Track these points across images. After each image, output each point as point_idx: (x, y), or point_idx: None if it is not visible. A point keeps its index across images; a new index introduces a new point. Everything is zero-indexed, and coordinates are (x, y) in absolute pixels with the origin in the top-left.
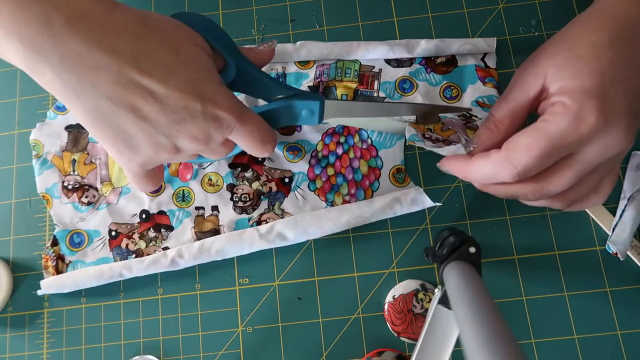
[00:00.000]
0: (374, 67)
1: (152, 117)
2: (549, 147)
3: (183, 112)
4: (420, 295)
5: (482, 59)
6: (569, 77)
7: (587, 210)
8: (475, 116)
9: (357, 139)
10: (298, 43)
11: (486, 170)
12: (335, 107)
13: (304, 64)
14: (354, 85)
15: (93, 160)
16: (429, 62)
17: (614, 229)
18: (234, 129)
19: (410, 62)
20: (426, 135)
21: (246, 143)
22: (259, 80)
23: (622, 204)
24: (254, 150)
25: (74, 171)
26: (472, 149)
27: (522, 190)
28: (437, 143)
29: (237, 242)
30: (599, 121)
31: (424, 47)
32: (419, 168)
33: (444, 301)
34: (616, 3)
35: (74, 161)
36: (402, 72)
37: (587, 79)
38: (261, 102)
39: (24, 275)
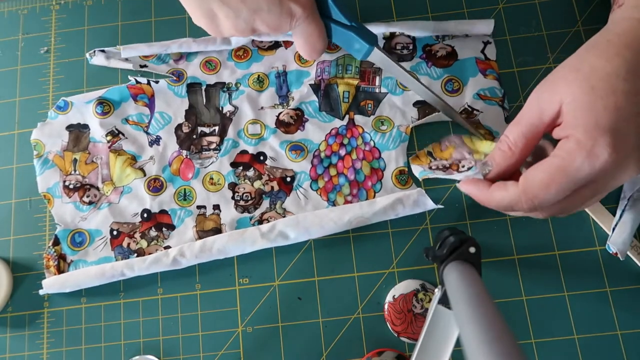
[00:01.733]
0: (374, 63)
1: (233, 5)
2: (564, 183)
3: (262, 3)
4: (420, 295)
5: (482, 51)
6: (583, 109)
7: (587, 210)
8: (477, 110)
9: (360, 141)
10: None
11: (505, 202)
12: (379, 59)
13: (304, 61)
14: (355, 82)
15: (94, 160)
16: (430, 56)
17: (614, 229)
18: (299, 26)
19: (411, 56)
20: (432, 167)
21: (302, 41)
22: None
23: (622, 204)
24: (304, 50)
25: (75, 171)
26: (487, 172)
27: (535, 214)
28: (447, 170)
29: (239, 241)
30: (611, 157)
31: (421, 26)
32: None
33: (444, 301)
34: (632, 28)
35: (75, 161)
36: (403, 66)
37: (601, 114)
38: None
39: (24, 275)
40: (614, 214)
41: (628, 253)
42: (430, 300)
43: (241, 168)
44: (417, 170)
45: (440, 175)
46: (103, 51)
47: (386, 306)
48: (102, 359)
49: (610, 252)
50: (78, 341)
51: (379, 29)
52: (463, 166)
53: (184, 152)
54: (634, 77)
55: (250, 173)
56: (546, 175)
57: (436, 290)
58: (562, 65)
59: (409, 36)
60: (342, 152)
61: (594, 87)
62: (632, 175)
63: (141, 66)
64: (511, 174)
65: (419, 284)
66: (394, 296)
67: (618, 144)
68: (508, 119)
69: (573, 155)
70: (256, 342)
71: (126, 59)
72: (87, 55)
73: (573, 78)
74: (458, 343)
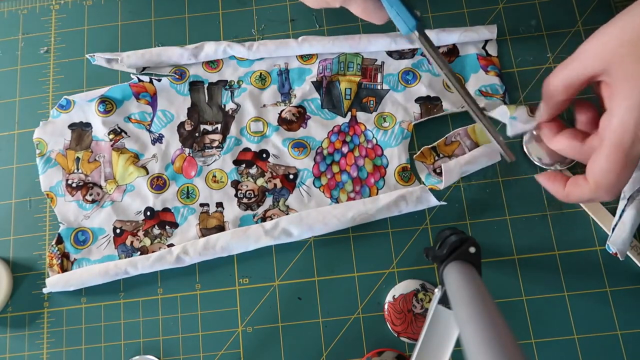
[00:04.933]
0: (376, 60)
1: None
2: (627, 163)
3: None
4: (420, 295)
5: (484, 48)
6: (629, 87)
7: (587, 210)
8: (484, 109)
9: (362, 138)
10: (300, 38)
11: (585, 198)
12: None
13: (306, 59)
14: (357, 79)
15: (97, 158)
16: None
17: (613, 229)
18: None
19: (412, 53)
20: (436, 167)
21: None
22: None
23: (622, 204)
24: (364, 17)
25: (77, 169)
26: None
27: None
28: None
29: (242, 238)
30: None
31: None
32: (416, 165)
33: (444, 301)
34: None
35: (77, 159)
36: (405, 63)
37: None
38: None
39: (24, 275)
40: (614, 214)
41: (628, 253)
42: (430, 300)
43: (244, 166)
44: (422, 171)
45: (448, 181)
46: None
47: (386, 306)
48: (102, 359)
49: (610, 252)
50: (78, 341)
51: (382, 42)
52: None
53: (187, 150)
54: None
55: (253, 171)
56: (610, 165)
57: (436, 290)
58: (614, 22)
59: None
60: (345, 149)
61: None
62: None
63: (144, 68)
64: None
65: (419, 284)
66: (394, 296)
67: None
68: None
69: (624, 140)
70: (256, 342)
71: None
72: (88, 56)
73: (627, 40)
74: (458, 343)
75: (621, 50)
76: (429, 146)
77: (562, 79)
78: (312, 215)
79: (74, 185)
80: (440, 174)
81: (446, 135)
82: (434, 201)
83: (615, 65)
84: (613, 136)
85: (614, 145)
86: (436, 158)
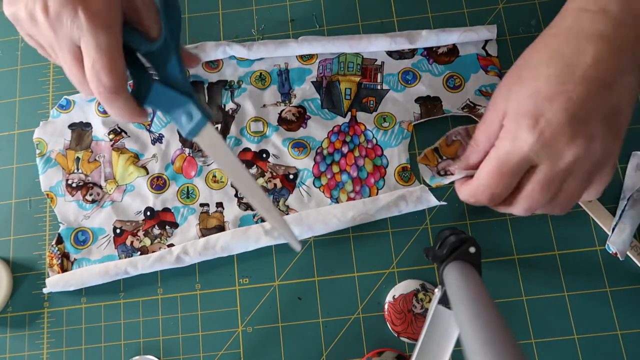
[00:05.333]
0: (376, 60)
1: None
2: (501, 168)
3: None
4: (420, 295)
5: (484, 48)
6: (511, 99)
7: (587, 210)
8: (480, 105)
9: (362, 138)
10: (300, 38)
11: (469, 195)
12: (209, 139)
13: (306, 59)
14: (357, 79)
15: (97, 158)
16: (431, 53)
17: (613, 229)
18: (84, 35)
19: (412, 53)
20: (440, 169)
21: (86, 59)
22: (175, 74)
23: (622, 204)
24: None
25: (78, 169)
26: (456, 166)
27: (513, 210)
28: (454, 170)
29: (242, 238)
30: (534, 137)
31: (425, 37)
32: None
33: (444, 301)
34: (563, 17)
35: (77, 159)
36: (405, 63)
37: (523, 100)
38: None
39: (24, 275)
40: (613, 214)
41: (628, 253)
42: (430, 300)
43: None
44: (427, 173)
45: (451, 179)
46: None
47: (386, 306)
48: (102, 359)
49: (610, 252)
50: (78, 341)
51: (382, 42)
52: None
53: (187, 150)
54: (557, 61)
55: (253, 170)
56: (487, 166)
57: (436, 290)
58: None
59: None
60: (345, 149)
61: (521, 77)
62: (574, 153)
63: None
64: None
65: (419, 284)
66: (394, 296)
67: (539, 124)
68: None
69: (502, 142)
70: (256, 342)
71: None
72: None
73: (511, 72)
74: (458, 343)
75: (508, 79)
76: (431, 148)
77: (481, 130)
78: (312, 215)
79: (74, 185)
80: (445, 175)
81: (446, 134)
82: (434, 201)
83: (504, 94)
84: (497, 143)
85: (495, 152)
86: (439, 160)
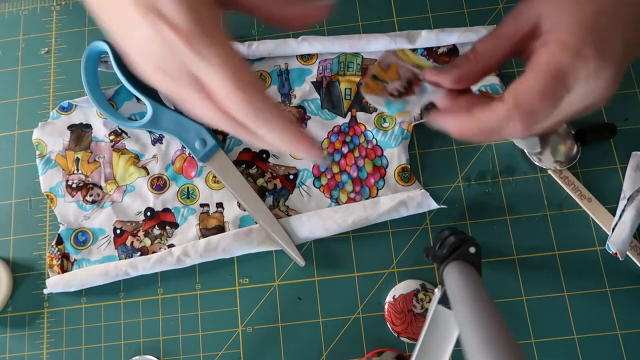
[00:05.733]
0: (376, 59)
1: None
2: (559, 88)
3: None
4: (420, 295)
5: None
6: (567, 13)
7: (587, 210)
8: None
9: (362, 139)
10: (300, 37)
11: (492, 124)
12: (219, 163)
13: (306, 59)
14: (357, 79)
15: (97, 159)
16: (431, 53)
17: (613, 229)
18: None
19: (412, 53)
20: (392, 92)
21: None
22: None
23: (622, 204)
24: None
25: (77, 170)
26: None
27: (523, 133)
28: (410, 92)
29: (245, 241)
30: (596, 60)
31: (425, 37)
32: (419, 168)
33: (444, 301)
34: None
35: (77, 160)
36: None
37: (585, 16)
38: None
39: (24, 275)
40: (614, 214)
41: (628, 253)
42: (430, 300)
43: (244, 166)
44: (379, 102)
45: (420, 100)
46: (106, 62)
47: (386, 306)
48: (102, 359)
49: (610, 252)
50: (78, 341)
51: (382, 42)
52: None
53: (187, 151)
54: None
55: (253, 171)
56: (538, 82)
57: (436, 290)
58: None
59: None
60: (345, 149)
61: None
62: (605, 95)
63: None
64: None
65: (419, 284)
66: (394, 296)
67: (602, 48)
68: None
69: (561, 56)
70: (256, 342)
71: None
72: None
73: None
74: (458, 343)
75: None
76: (369, 76)
77: (491, 42)
78: (312, 220)
79: (74, 185)
80: (399, 95)
81: (378, 61)
82: (434, 205)
83: (547, 12)
84: (549, 56)
85: (549, 65)
86: (386, 84)
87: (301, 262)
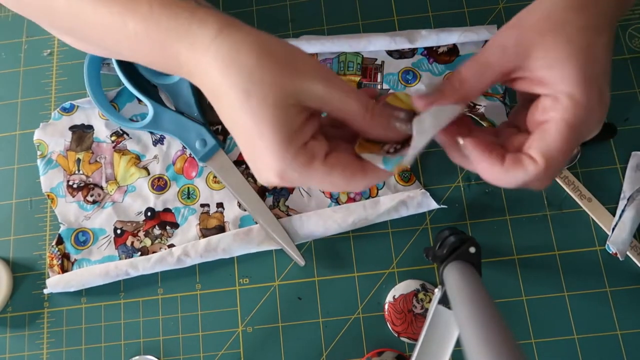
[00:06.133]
0: (376, 59)
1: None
2: (576, 142)
3: None
4: (420, 295)
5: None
6: (564, 59)
7: (587, 210)
8: (479, 104)
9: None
10: (300, 37)
11: (522, 181)
12: (219, 163)
13: None
14: (357, 79)
15: (98, 159)
16: (431, 52)
17: (613, 229)
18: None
19: (412, 52)
20: (390, 151)
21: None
22: (189, 103)
23: (621, 204)
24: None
25: (79, 170)
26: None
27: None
28: (405, 147)
29: (245, 241)
30: (601, 109)
31: (425, 36)
32: (419, 168)
33: (444, 301)
34: None
35: (78, 160)
36: (405, 63)
37: (586, 68)
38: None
39: (24, 275)
40: (613, 214)
41: (628, 253)
42: (430, 300)
43: (244, 166)
44: (376, 160)
45: (412, 155)
46: (108, 64)
47: (386, 306)
48: (102, 359)
49: (610, 252)
50: (78, 341)
51: (382, 41)
52: None
53: (188, 151)
54: (605, 30)
55: None
56: (563, 143)
57: (436, 290)
58: (528, 11)
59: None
60: None
61: (571, 41)
62: (601, 124)
63: None
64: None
65: (419, 284)
66: (394, 296)
67: (603, 96)
68: (509, 115)
69: (577, 114)
70: (256, 342)
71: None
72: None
73: (546, 28)
74: (458, 343)
75: (547, 39)
76: (362, 137)
77: (478, 72)
78: (312, 220)
79: (75, 186)
80: (396, 151)
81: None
82: (434, 205)
83: (544, 54)
84: (567, 114)
85: (569, 123)
86: (382, 144)
87: (301, 261)
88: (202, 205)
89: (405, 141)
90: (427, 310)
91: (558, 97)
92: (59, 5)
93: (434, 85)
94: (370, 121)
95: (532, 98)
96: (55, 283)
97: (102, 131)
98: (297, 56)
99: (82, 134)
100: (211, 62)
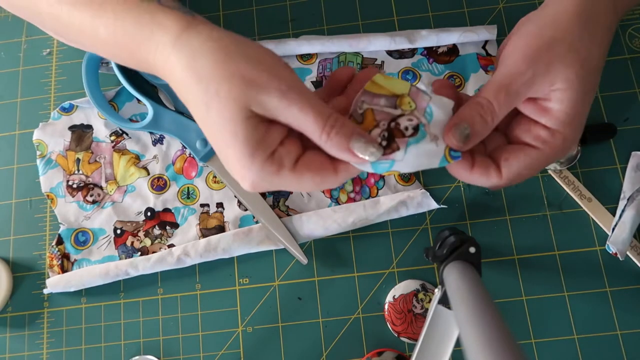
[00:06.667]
0: (376, 59)
1: None
2: (539, 169)
3: None
4: (420, 295)
5: (484, 47)
6: (576, 106)
7: (587, 210)
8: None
9: None
10: (300, 37)
11: (484, 185)
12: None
13: (306, 59)
14: None
15: (97, 159)
16: (431, 52)
17: (613, 229)
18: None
19: (412, 52)
20: (382, 144)
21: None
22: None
23: (621, 204)
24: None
25: (78, 170)
26: (467, 134)
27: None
28: (394, 145)
29: (245, 241)
30: (576, 146)
31: (425, 36)
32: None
33: (444, 301)
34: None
35: (78, 160)
36: (405, 63)
37: (583, 113)
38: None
39: (24, 275)
40: (613, 214)
41: (628, 253)
42: (430, 300)
43: None
44: (364, 166)
45: (407, 161)
46: (107, 64)
47: (386, 306)
48: (102, 359)
49: (610, 252)
50: (78, 341)
51: (382, 41)
52: (406, 128)
53: (187, 151)
54: (604, 58)
55: None
56: (528, 170)
57: (436, 290)
58: (555, 36)
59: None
60: None
61: (585, 80)
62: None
63: None
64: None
65: (419, 284)
66: (394, 296)
67: (578, 135)
68: None
69: (557, 150)
70: (256, 342)
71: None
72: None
73: (570, 62)
74: (458, 343)
75: (570, 73)
76: None
77: (509, 104)
78: (312, 220)
79: (74, 186)
80: (383, 150)
81: (350, 111)
82: (434, 204)
83: (563, 89)
84: (553, 151)
85: (548, 158)
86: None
87: (303, 259)
88: (202, 205)
89: (390, 135)
90: (427, 310)
91: (556, 134)
92: (42, 8)
93: (462, 129)
94: (325, 143)
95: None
96: (55, 283)
97: (101, 131)
98: (256, 64)
99: (81, 133)
100: (175, 69)
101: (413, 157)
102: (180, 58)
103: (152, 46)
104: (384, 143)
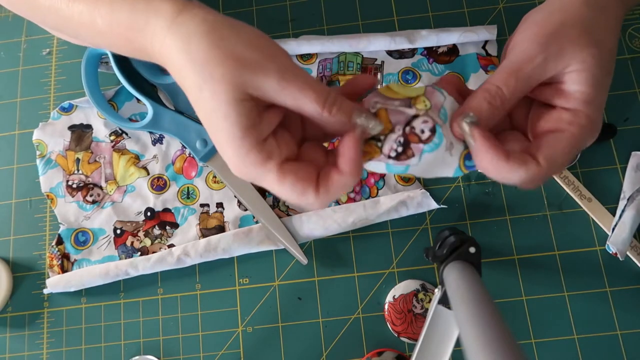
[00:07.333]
0: (376, 59)
1: None
2: (574, 153)
3: None
4: (420, 295)
5: (484, 47)
6: (596, 86)
7: (587, 210)
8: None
9: None
10: (300, 37)
11: (522, 180)
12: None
13: (306, 58)
14: None
15: (97, 159)
16: (431, 52)
17: (613, 229)
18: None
19: (412, 52)
20: (390, 154)
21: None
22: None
23: (622, 204)
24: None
25: (78, 170)
26: (474, 121)
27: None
28: (409, 149)
29: (245, 241)
30: (598, 131)
31: (425, 37)
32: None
33: (444, 301)
34: None
35: (78, 160)
36: (405, 63)
37: (604, 93)
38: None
39: (24, 275)
40: (613, 214)
41: (628, 253)
42: (430, 300)
43: None
44: (379, 167)
45: (415, 166)
46: (106, 63)
47: (386, 306)
48: (102, 359)
49: (610, 252)
50: (78, 341)
51: (382, 41)
52: (422, 131)
53: (187, 151)
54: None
55: None
56: (567, 152)
57: (436, 290)
58: (565, 21)
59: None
60: None
61: (601, 61)
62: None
63: None
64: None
65: (419, 284)
66: (394, 296)
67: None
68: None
69: (584, 130)
70: (256, 342)
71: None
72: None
73: (584, 43)
74: (458, 343)
75: (585, 54)
76: (367, 141)
77: (519, 90)
78: (312, 220)
79: (74, 186)
80: (397, 156)
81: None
82: (434, 205)
83: (579, 70)
84: (581, 131)
85: (579, 139)
86: (379, 143)
87: (304, 259)
88: (202, 205)
89: (406, 140)
90: (427, 310)
91: (579, 113)
92: (42, 2)
93: (467, 117)
94: (327, 119)
95: (532, 100)
96: (55, 283)
97: (101, 130)
98: (251, 46)
99: (81, 133)
100: (171, 52)
101: (427, 164)
102: (175, 41)
103: (149, 33)
104: (400, 149)
